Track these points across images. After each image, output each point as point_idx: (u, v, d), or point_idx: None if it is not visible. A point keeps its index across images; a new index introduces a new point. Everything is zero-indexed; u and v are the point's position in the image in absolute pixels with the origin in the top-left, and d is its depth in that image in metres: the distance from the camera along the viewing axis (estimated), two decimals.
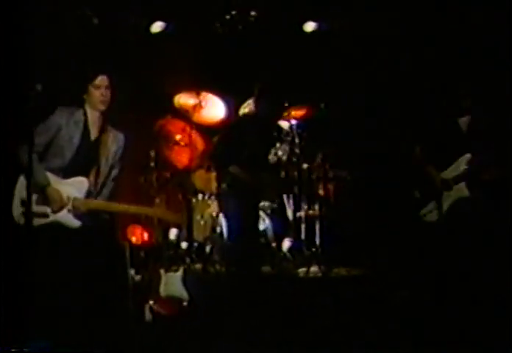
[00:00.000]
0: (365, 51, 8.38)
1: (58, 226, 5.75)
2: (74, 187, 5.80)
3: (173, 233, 8.17)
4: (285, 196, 8.15)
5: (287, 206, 8.14)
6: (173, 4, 8.30)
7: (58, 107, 5.82)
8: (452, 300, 6.07)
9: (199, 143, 8.35)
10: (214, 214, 8.02)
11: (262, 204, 7.83)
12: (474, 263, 6.24)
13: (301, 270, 7.76)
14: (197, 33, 8.63)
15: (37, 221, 5.49)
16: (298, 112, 8.25)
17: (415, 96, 7.77)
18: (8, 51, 6.92)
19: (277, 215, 8.09)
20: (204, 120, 8.44)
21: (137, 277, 7.35)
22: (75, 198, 5.77)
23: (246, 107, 7.53)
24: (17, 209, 5.72)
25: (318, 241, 8.06)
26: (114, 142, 5.95)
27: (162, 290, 6.80)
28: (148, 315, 6.53)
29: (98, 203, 5.87)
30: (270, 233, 7.95)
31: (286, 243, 7.99)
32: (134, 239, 8.25)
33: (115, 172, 5.97)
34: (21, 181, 5.74)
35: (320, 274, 7.68)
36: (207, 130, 8.35)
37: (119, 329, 5.98)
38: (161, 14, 8.47)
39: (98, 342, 5.52)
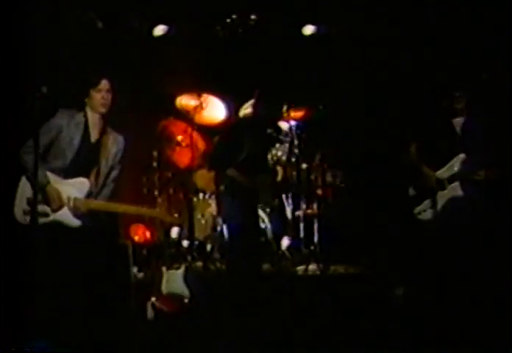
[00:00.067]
0: (362, 53, 8.37)
1: (58, 225, 5.77)
2: (75, 188, 5.83)
3: (174, 232, 8.14)
4: (284, 196, 8.16)
5: (286, 205, 8.15)
6: (175, 7, 8.29)
7: (59, 109, 5.84)
8: (451, 299, 6.05)
9: (200, 144, 8.32)
10: (214, 213, 8.03)
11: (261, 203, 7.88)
12: (470, 262, 6.24)
13: (300, 268, 7.75)
14: (198, 36, 8.63)
15: (39, 220, 5.47)
16: (297, 113, 8.27)
17: (410, 98, 7.76)
18: (12, 54, 6.94)
19: (276, 214, 8.09)
20: (205, 121, 8.40)
21: (140, 275, 7.42)
22: (75, 199, 5.80)
23: (246, 109, 7.54)
24: (19, 209, 5.77)
25: (316, 240, 8.06)
26: (114, 144, 5.98)
27: (164, 288, 6.80)
28: (150, 312, 6.55)
29: (99, 203, 5.89)
30: (269, 232, 7.95)
31: (285, 242, 7.99)
32: (136, 238, 8.28)
33: (114, 173, 6.00)
34: (23, 181, 5.79)
35: (318, 272, 7.67)
36: (208, 131, 8.35)
37: (122, 325, 6.03)
38: (163, 18, 8.47)
39: (100, 339, 5.55)
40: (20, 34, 7.06)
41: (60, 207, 5.78)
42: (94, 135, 5.94)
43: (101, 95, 5.85)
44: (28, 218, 5.65)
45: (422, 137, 6.73)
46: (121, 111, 8.27)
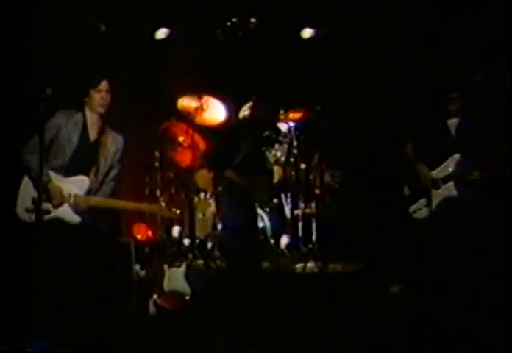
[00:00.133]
0: (359, 55, 8.37)
1: (59, 222, 5.78)
2: (75, 185, 5.84)
3: (176, 230, 8.14)
4: (283, 195, 8.15)
5: (285, 204, 8.14)
6: (177, 11, 8.30)
7: (58, 110, 5.85)
8: (450, 298, 6.03)
9: (201, 144, 8.33)
10: (214, 212, 8.06)
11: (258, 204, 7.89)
12: (466, 261, 6.24)
13: (299, 266, 7.75)
14: (199, 39, 8.65)
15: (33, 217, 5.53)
16: (295, 115, 8.28)
17: (406, 99, 7.76)
18: (18, 54, 6.93)
19: (276, 213, 8.09)
20: (206, 122, 8.43)
21: (142, 272, 7.40)
22: (76, 196, 5.81)
23: (245, 111, 7.55)
24: (21, 208, 5.78)
25: (314, 238, 8.07)
26: (113, 143, 5.99)
27: (166, 285, 6.83)
28: (152, 309, 6.57)
29: (98, 200, 5.89)
30: (269, 230, 7.95)
31: (284, 240, 7.99)
32: (139, 236, 8.29)
33: (114, 172, 6.00)
34: (25, 180, 5.81)
35: (316, 270, 7.68)
36: (209, 132, 8.37)
37: (124, 322, 6.04)
38: (165, 21, 8.50)
39: (102, 336, 5.53)
40: (24, 35, 7.05)
41: (61, 204, 5.79)
42: (93, 134, 5.95)
43: (100, 95, 5.86)
44: (30, 216, 5.68)
45: (418, 138, 6.73)
46: (124, 112, 8.36)
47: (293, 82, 8.51)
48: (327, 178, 8.31)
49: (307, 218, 8.15)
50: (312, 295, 6.70)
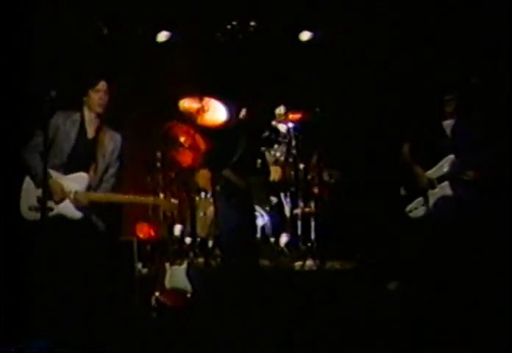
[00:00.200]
0: (357, 58, 8.39)
1: (62, 219, 5.80)
2: (75, 182, 5.86)
3: (177, 229, 8.16)
4: (282, 195, 8.16)
5: (284, 204, 8.15)
6: (178, 14, 8.32)
7: (56, 111, 5.84)
8: (450, 298, 6.00)
9: (202, 145, 8.34)
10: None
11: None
12: (461, 259, 6.23)
13: (298, 263, 7.76)
14: (200, 42, 8.68)
15: (37, 215, 5.56)
16: (294, 116, 8.28)
17: (403, 101, 7.78)
18: (15, 55, 6.93)
19: (275, 212, 8.10)
20: (207, 123, 8.34)
21: (144, 270, 7.42)
22: (76, 192, 5.84)
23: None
24: (24, 206, 5.81)
25: (313, 237, 8.08)
26: (111, 141, 6.02)
27: (168, 283, 6.82)
28: (154, 306, 6.58)
29: (98, 195, 5.92)
30: (268, 229, 7.97)
31: (283, 239, 8.00)
32: (141, 235, 8.25)
33: (113, 170, 6.02)
34: (27, 180, 5.84)
35: (315, 268, 7.69)
36: (210, 132, 8.37)
37: (126, 318, 6.06)
38: (167, 24, 8.52)
39: (104, 332, 5.53)
40: (24, 35, 7.04)
41: (62, 200, 5.81)
42: (90, 132, 5.98)
43: (98, 95, 5.90)
44: (33, 214, 5.72)
45: (414, 139, 6.74)
46: (126, 113, 8.40)
47: (292, 84, 8.53)
48: (326, 177, 8.30)
49: (306, 217, 8.15)
50: (310, 292, 6.70)
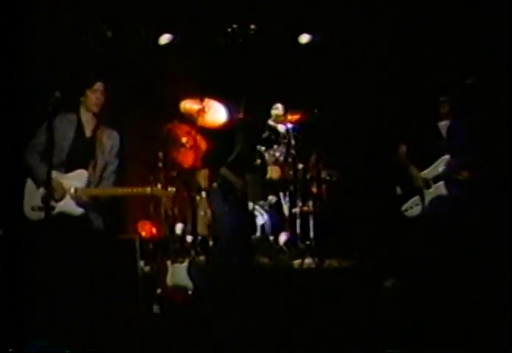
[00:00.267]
0: (354, 60, 8.40)
1: (64, 217, 5.82)
2: (75, 179, 5.89)
3: (179, 228, 8.15)
4: (281, 194, 8.15)
5: (283, 203, 8.13)
6: (180, 18, 8.34)
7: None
8: (449, 297, 5.99)
9: (203, 145, 8.35)
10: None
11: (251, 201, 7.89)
12: (457, 258, 6.28)
13: (297, 261, 7.73)
14: (201, 44, 8.69)
15: (41, 215, 5.58)
16: (294, 117, 8.26)
17: (399, 102, 7.80)
18: (15, 55, 6.97)
19: (274, 211, 8.08)
20: (208, 124, 8.34)
21: (147, 268, 7.41)
22: (76, 189, 5.87)
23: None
24: (27, 206, 5.84)
25: (311, 235, 8.05)
26: (109, 139, 6.05)
27: (169, 280, 6.88)
28: (156, 303, 6.59)
29: (98, 190, 5.95)
30: (268, 228, 7.95)
31: (282, 237, 7.97)
32: (143, 233, 8.28)
33: (112, 167, 6.06)
34: (30, 181, 5.89)
35: (313, 265, 7.65)
36: (211, 133, 8.38)
37: (129, 315, 6.09)
38: (168, 27, 8.53)
39: (106, 329, 5.57)
40: (24, 35, 7.05)
41: (62, 197, 5.84)
42: (88, 131, 6.02)
43: (95, 95, 5.96)
44: (37, 214, 5.74)
45: (410, 139, 6.78)
46: (128, 114, 8.43)
47: (291, 85, 8.54)
48: (324, 177, 8.31)
49: (304, 216, 8.13)
50: (309, 289, 6.70)
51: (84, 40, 8.10)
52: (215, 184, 6.97)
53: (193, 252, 7.92)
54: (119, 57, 8.36)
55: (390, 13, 8.05)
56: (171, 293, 6.75)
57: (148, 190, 6.12)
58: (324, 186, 8.34)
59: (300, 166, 8.24)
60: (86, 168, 5.94)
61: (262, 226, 7.94)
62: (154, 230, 8.32)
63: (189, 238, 8.15)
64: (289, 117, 8.26)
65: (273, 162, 8.11)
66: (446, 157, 6.50)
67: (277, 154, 8.19)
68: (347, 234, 8.03)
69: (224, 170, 6.83)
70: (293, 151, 8.17)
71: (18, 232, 6.12)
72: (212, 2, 8.13)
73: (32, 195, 5.85)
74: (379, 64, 8.25)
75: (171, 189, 6.37)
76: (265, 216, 7.98)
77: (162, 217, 8.01)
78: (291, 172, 8.21)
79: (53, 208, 5.73)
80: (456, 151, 6.47)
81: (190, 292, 6.81)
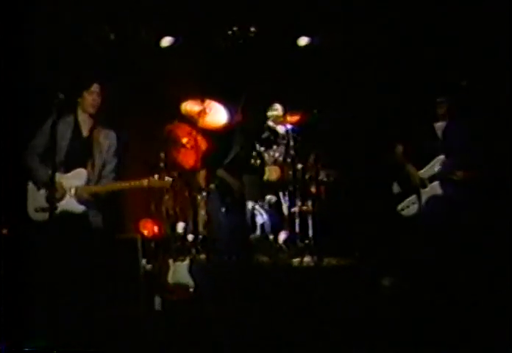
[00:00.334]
0: (352, 62, 8.42)
1: (67, 216, 5.87)
2: (74, 178, 5.95)
3: (180, 226, 8.14)
4: (280, 193, 8.12)
5: (282, 202, 8.10)
6: (181, 20, 8.36)
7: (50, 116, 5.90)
8: (449, 297, 5.98)
9: (204, 146, 8.38)
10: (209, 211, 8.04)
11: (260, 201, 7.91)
12: (451, 255, 6.31)
13: (296, 260, 7.71)
14: (202, 47, 8.70)
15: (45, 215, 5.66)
16: (293, 118, 8.24)
17: (397, 103, 7.82)
18: (15, 55, 6.99)
19: (274, 210, 8.06)
20: (208, 125, 8.38)
21: (148, 266, 7.44)
22: (77, 187, 5.93)
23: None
24: (31, 208, 5.90)
25: (310, 234, 8.03)
26: (106, 139, 6.13)
27: (171, 278, 6.93)
28: (157, 301, 6.63)
29: (97, 187, 6.02)
30: (267, 227, 7.93)
31: (282, 236, 7.94)
32: (145, 232, 8.31)
33: (110, 166, 6.13)
34: (31, 183, 5.95)
35: (312, 264, 7.63)
36: (211, 134, 8.41)
37: (131, 312, 6.13)
38: (170, 30, 8.54)
39: (108, 326, 5.61)
40: (24, 35, 7.06)
41: (63, 197, 5.89)
42: (85, 131, 6.09)
43: (92, 97, 6.03)
44: (41, 215, 5.81)
45: (407, 140, 6.81)
46: (130, 115, 8.47)
47: (290, 86, 8.55)
48: (322, 177, 8.32)
49: (303, 215, 8.11)
50: (308, 287, 6.72)
51: (84, 42, 8.12)
52: (212, 186, 7.01)
53: (193, 251, 7.91)
54: (122, 59, 8.38)
55: (387, 16, 8.07)
56: (172, 291, 6.79)
57: (145, 181, 6.16)
58: (322, 186, 8.30)
59: (299, 166, 8.19)
60: (85, 167, 6.00)
61: (262, 225, 7.92)
62: (155, 229, 8.35)
63: (190, 237, 8.12)
64: (288, 118, 8.25)
65: (272, 163, 8.11)
66: (442, 157, 6.54)
67: (277, 154, 8.20)
68: (345, 233, 8.03)
69: (221, 172, 6.85)
70: (292, 152, 8.13)
71: (24, 233, 6.15)
72: (213, 5, 8.13)
73: (34, 197, 5.92)
74: (376, 66, 8.27)
75: (168, 179, 6.35)
76: (265, 215, 7.97)
77: (163, 216, 8.05)
78: (290, 172, 8.18)
79: (55, 208, 5.75)
80: (451, 151, 6.50)
81: (191, 289, 6.85)
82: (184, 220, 8.23)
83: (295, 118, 8.31)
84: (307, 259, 7.77)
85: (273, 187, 8.11)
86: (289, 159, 8.19)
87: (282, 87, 8.39)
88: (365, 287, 6.59)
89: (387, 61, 8.22)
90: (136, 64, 8.55)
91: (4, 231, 6.56)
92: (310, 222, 8.12)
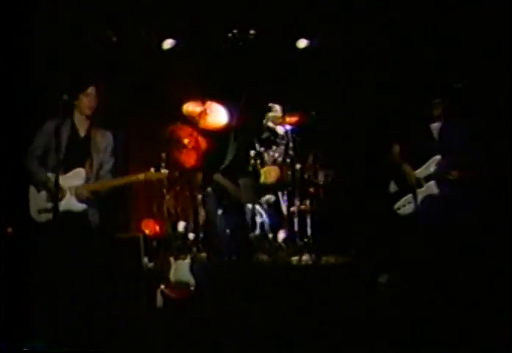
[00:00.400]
0: (350, 64, 8.43)
1: (68, 215, 5.87)
2: (73, 178, 5.98)
3: (181, 225, 8.20)
4: (280, 193, 8.13)
5: (282, 202, 8.12)
6: (182, 23, 8.38)
7: (48, 119, 5.99)
8: (449, 296, 5.96)
9: (204, 146, 8.39)
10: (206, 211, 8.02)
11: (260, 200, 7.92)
12: (448, 254, 6.30)
13: (295, 258, 7.74)
14: (203, 49, 8.71)
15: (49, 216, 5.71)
16: (292, 119, 8.24)
17: (393, 104, 7.82)
18: (15, 55, 6.98)
19: (273, 210, 8.07)
20: (209, 125, 8.46)
21: (150, 265, 7.47)
22: (77, 187, 5.96)
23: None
24: (34, 211, 5.93)
25: (309, 233, 8.06)
26: (103, 139, 6.16)
27: (172, 276, 6.93)
28: (159, 298, 6.69)
29: (96, 184, 6.05)
30: (267, 226, 7.94)
31: (281, 235, 7.95)
32: (147, 231, 8.32)
33: (108, 166, 6.15)
34: (32, 186, 5.98)
35: (311, 262, 7.68)
36: (212, 134, 8.39)
37: (133, 309, 6.17)
38: (171, 32, 8.56)
39: (110, 324, 5.64)
40: (24, 35, 7.05)
41: (63, 197, 5.91)
42: (82, 132, 6.12)
43: (88, 99, 6.07)
44: (45, 216, 5.83)
45: (404, 140, 6.82)
46: (132, 116, 8.50)
47: (289, 88, 8.55)
48: (321, 177, 8.34)
49: (302, 214, 8.12)
50: (307, 285, 6.74)
51: (84, 42, 8.12)
52: (209, 189, 7.03)
53: (194, 249, 7.98)
54: (123, 60, 8.40)
55: (385, 18, 8.09)
56: (173, 289, 6.80)
57: (141, 175, 6.17)
58: (320, 185, 8.32)
59: (298, 166, 8.18)
60: (83, 166, 6.04)
61: (262, 224, 7.93)
62: (157, 228, 8.37)
63: (191, 236, 8.17)
64: (287, 119, 8.25)
65: (272, 163, 8.14)
66: (438, 157, 6.55)
67: (276, 154, 8.20)
68: (343, 231, 8.03)
69: (217, 176, 6.87)
70: (291, 152, 8.14)
71: (26, 234, 6.17)
72: (213, 8, 8.13)
73: (36, 199, 5.95)
74: (374, 67, 8.28)
75: (164, 171, 6.36)
76: (264, 215, 7.99)
77: (165, 215, 8.09)
78: (289, 172, 8.17)
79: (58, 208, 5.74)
80: (447, 151, 6.51)
81: (192, 287, 6.87)
82: (185, 220, 8.27)
83: (294, 119, 8.30)
84: (305, 257, 7.80)
85: (269, 190, 8.11)
86: (288, 160, 8.19)
87: (282, 89, 8.40)
88: (363, 284, 6.60)
89: (384, 62, 8.22)
90: (137, 65, 8.57)
91: (8, 231, 6.58)
92: (308, 221, 8.14)
